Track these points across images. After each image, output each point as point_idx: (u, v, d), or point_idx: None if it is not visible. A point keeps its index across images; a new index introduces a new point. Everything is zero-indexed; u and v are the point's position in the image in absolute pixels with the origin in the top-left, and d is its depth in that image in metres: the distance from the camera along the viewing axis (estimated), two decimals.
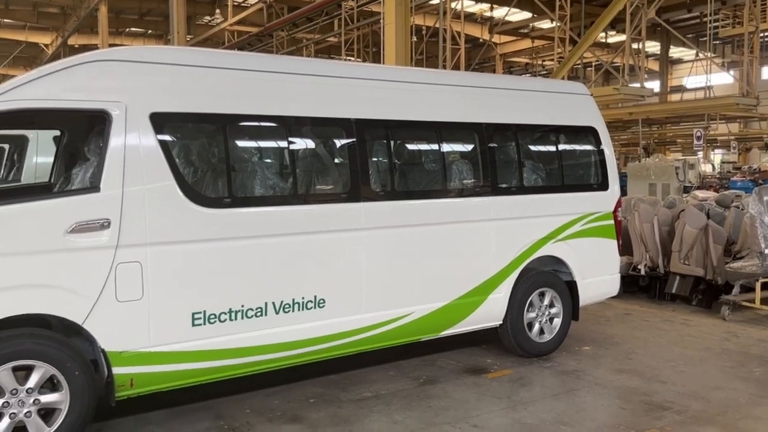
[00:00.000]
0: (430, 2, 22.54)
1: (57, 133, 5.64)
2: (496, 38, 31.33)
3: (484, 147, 5.27)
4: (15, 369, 3.56)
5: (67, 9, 30.15)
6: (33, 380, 3.60)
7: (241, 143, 4.38)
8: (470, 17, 27.62)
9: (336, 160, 4.76)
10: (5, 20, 33.25)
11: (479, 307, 5.20)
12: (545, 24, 28.19)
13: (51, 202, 3.72)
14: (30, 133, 6.64)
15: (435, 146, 5.17)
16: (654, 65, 34.08)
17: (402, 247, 4.81)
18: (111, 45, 28.42)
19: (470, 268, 5.14)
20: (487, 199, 5.22)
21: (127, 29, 33.74)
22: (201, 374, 4.15)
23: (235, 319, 4.19)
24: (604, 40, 28.05)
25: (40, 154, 6.59)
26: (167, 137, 3.98)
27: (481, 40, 30.89)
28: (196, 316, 4.05)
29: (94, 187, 3.76)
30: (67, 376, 3.67)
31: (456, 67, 19.99)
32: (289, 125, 4.45)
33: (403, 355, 5.47)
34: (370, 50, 25.87)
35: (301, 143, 4.59)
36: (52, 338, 3.68)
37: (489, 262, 5.23)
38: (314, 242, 4.45)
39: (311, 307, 4.46)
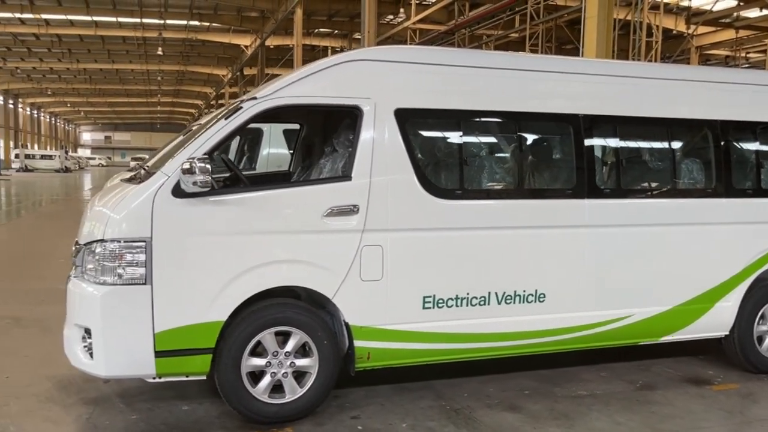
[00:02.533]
0: None
1: (295, 126, 6.23)
2: (692, 29, 29.04)
3: (718, 146, 4.99)
4: (276, 334, 4.04)
5: (266, 12, 32.64)
6: (290, 345, 4.06)
7: (472, 138, 4.56)
8: (664, 7, 25.89)
9: (562, 156, 4.78)
10: (213, 24, 36.92)
11: (704, 314, 4.95)
12: (752, 12, 25.62)
13: (312, 188, 4.17)
14: (264, 126, 7.37)
15: (664, 144, 5.00)
16: None
17: (626, 246, 4.71)
18: (303, 45, 30.54)
19: (698, 273, 4.91)
20: (720, 200, 4.94)
21: (316, 30, 35.78)
22: (427, 355, 4.40)
23: (461, 305, 4.38)
24: None
25: (273, 145, 7.33)
26: (408, 131, 4.25)
27: (674, 32, 28.81)
28: (426, 299, 4.31)
29: (346, 176, 4.14)
30: (318, 343, 4.09)
31: (650, 61, 18.81)
32: (518, 121, 4.56)
33: (613, 357, 5.36)
34: (552, 45, 25.20)
35: (529, 139, 4.68)
36: (306, 309, 4.12)
37: (718, 268, 4.95)
38: (538, 237, 4.52)
39: (532, 301, 4.54)
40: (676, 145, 5.02)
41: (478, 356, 4.54)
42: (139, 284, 3.77)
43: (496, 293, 4.44)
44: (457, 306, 4.37)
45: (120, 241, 3.75)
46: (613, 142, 4.80)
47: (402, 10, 29.23)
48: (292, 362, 4.07)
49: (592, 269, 4.64)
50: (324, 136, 5.08)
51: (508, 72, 4.55)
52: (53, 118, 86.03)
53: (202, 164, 3.69)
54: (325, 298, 4.14)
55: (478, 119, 4.54)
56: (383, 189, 4.15)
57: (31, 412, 4.22)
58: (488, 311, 4.43)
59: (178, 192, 3.80)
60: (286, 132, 7.40)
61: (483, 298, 4.42)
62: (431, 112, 4.39)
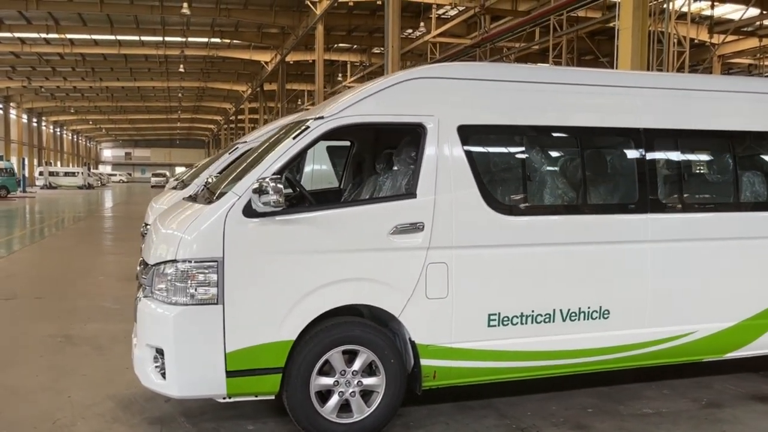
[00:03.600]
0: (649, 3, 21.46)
1: (342, 143, 6.25)
2: (714, 38, 28.87)
3: None
4: (343, 352, 4.03)
5: (286, 28, 32.96)
6: (357, 363, 4.04)
7: (535, 153, 4.53)
8: (685, 16, 25.82)
9: (624, 171, 4.74)
10: (234, 41, 37.34)
11: None
12: None
13: (379, 206, 4.16)
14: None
15: (725, 157, 4.94)
16: None
17: (689, 261, 4.65)
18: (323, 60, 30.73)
19: (763, 288, 4.82)
20: None
21: (335, 45, 36.06)
22: (493, 373, 4.36)
23: (526, 323, 4.35)
24: None
25: (317, 161, 7.37)
26: (471, 148, 4.25)
27: (696, 41, 28.65)
28: (491, 317, 4.28)
29: (410, 193, 4.13)
30: (384, 362, 4.06)
31: (679, 70, 18.66)
32: (579, 136, 4.54)
33: (671, 374, 5.27)
34: (574, 56, 25.11)
35: (591, 154, 4.64)
36: (373, 327, 4.11)
37: None
38: (601, 252, 4.47)
39: (596, 317, 4.49)
40: (738, 157, 4.95)
41: (542, 374, 4.50)
42: (211, 304, 3.78)
43: (560, 310, 4.40)
44: (522, 324, 4.33)
45: (192, 261, 3.77)
46: (675, 156, 4.76)
47: (422, 24, 29.34)
48: (360, 381, 4.05)
49: (656, 285, 4.59)
50: (376, 153, 5.07)
51: (568, 87, 4.53)
52: (75, 136, 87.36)
53: (275, 184, 3.70)
54: (391, 316, 4.13)
55: (539, 135, 4.53)
56: (448, 206, 4.14)
57: None
58: (553, 329, 4.39)
59: (248, 212, 3.82)
60: (329, 149, 7.43)
61: (548, 316, 4.38)
62: (493, 128, 4.39)
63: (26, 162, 54.22)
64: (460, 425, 4.36)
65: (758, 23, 26.63)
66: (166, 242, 3.98)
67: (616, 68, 10.99)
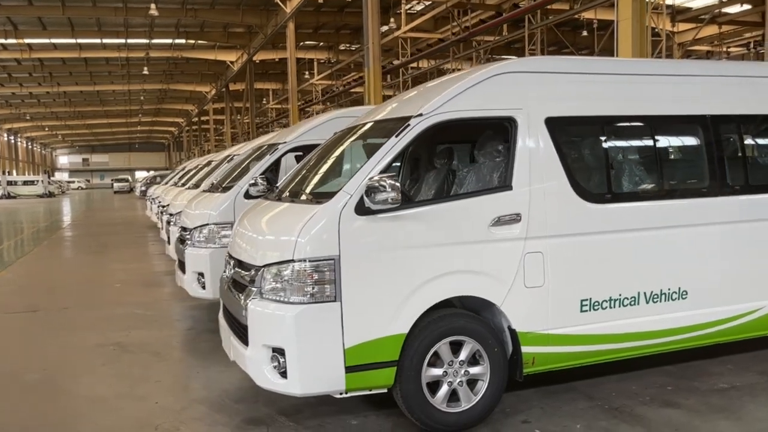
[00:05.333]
0: None
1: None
2: (663, 26, 29.80)
3: None
4: (450, 343, 4.12)
5: (254, 27, 32.61)
6: (463, 354, 4.13)
7: (617, 142, 4.71)
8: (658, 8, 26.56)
9: (696, 156, 4.94)
10: (199, 41, 36.76)
11: None
12: (733, 8, 26.37)
13: (480, 198, 4.24)
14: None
15: None
16: None
17: (760, 240, 4.88)
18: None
19: None
20: None
21: (302, 42, 35.85)
22: (586, 357, 4.51)
23: (615, 306, 4.50)
24: None
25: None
26: (559, 139, 4.37)
27: (657, 30, 29.51)
28: (583, 302, 4.42)
29: (507, 185, 4.24)
30: (488, 351, 4.16)
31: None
32: (656, 125, 4.72)
33: (724, 351, 5.45)
34: (543, 49, 25.54)
35: (667, 141, 4.84)
36: (476, 318, 4.20)
37: None
38: (679, 235, 4.66)
39: (676, 298, 4.68)
40: None
41: (630, 355, 4.66)
42: (330, 302, 3.82)
43: (644, 293, 4.57)
44: (611, 308, 4.49)
45: (310, 261, 3.80)
46: (740, 141, 4.98)
47: (392, 19, 29.43)
48: (466, 371, 4.14)
49: (729, 264, 4.80)
50: (489, 147, 4.84)
51: (646, 77, 4.71)
52: (30, 143, 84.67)
53: (392, 181, 3.76)
54: (487, 305, 4.23)
55: (621, 124, 4.70)
56: (541, 197, 4.26)
57: None
58: (638, 311, 4.56)
59: (360, 209, 3.87)
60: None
61: (633, 299, 4.54)
62: (579, 120, 4.53)
63: None
64: (555, 409, 4.49)
65: (717, 11, 27.60)
66: (277, 243, 4.00)
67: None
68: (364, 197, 3.85)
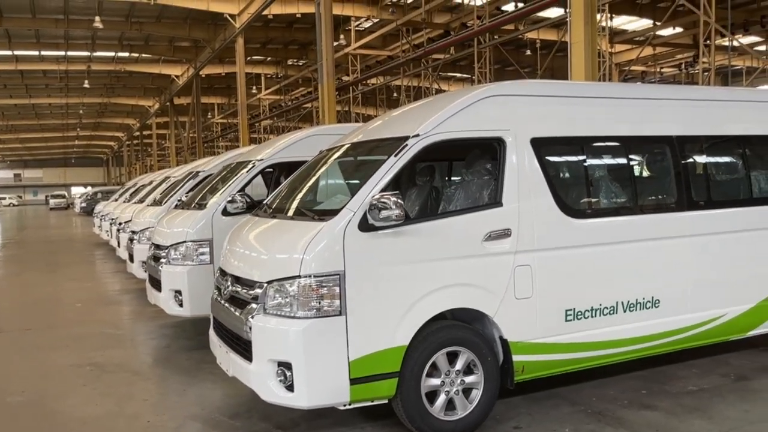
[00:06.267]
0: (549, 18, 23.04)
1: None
2: (608, 47, 31.23)
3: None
4: (446, 354, 4.29)
5: (201, 42, 32.27)
6: (459, 363, 4.30)
7: (596, 161, 5.02)
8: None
9: (666, 174, 5.29)
10: (143, 55, 36.09)
11: None
12: (666, 31, 27.88)
13: (474, 214, 4.44)
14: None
15: (741, 159, 5.63)
16: None
17: (722, 251, 5.27)
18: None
19: None
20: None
21: (249, 57, 35.66)
22: (570, 364, 4.76)
23: (595, 316, 4.78)
24: None
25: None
26: (544, 158, 4.64)
27: (599, 51, 30.81)
28: (567, 312, 4.68)
29: (497, 202, 4.47)
30: (483, 360, 4.35)
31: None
32: (630, 144, 5.08)
33: (688, 356, 5.81)
34: (490, 67, 26.29)
35: (640, 159, 5.18)
36: (470, 329, 4.40)
37: None
38: (652, 247, 4.99)
39: (649, 307, 4.99)
40: (751, 160, 5.66)
41: (610, 361, 4.94)
42: (335, 316, 3.93)
43: (622, 302, 4.87)
44: (592, 317, 4.76)
45: (316, 276, 3.91)
46: (704, 160, 5.38)
47: (342, 36, 29.73)
48: (462, 380, 4.32)
49: (695, 274, 5.16)
50: (479, 167, 4.88)
51: (624, 101, 5.06)
52: None
53: (396, 199, 3.92)
54: (478, 317, 4.44)
55: (599, 144, 5.03)
56: (528, 212, 4.51)
57: None
58: (616, 320, 4.85)
59: (364, 226, 4.01)
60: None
61: (612, 308, 4.83)
62: (561, 140, 4.82)
63: None
64: (542, 415, 4.72)
65: (650, 33, 29.12)
66: (281, 259, 4.08)
67: (571, 79, 11.82)
68: (368, 214, 3.99)
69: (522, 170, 4.53)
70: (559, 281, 4.64)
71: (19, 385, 5.71)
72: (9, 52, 33.27)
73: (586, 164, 4.93)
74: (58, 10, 27.34)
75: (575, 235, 4.70)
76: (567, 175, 4.97)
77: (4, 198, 78.43)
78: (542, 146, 4.65)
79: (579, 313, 4.72)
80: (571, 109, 4.87)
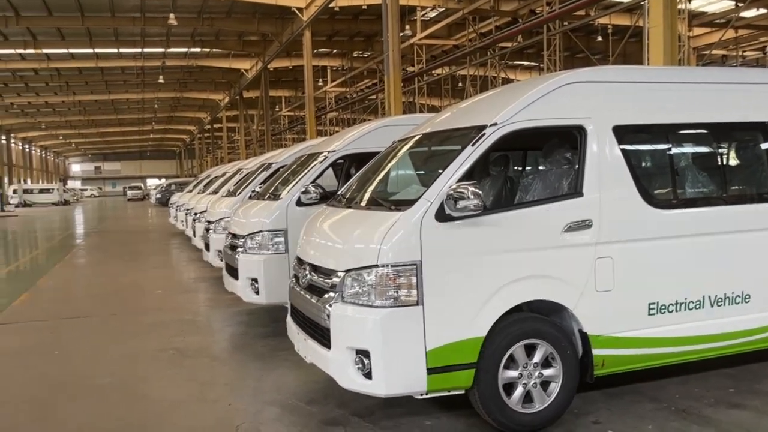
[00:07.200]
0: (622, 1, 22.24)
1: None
2: (686, 31, 29.88)
3: None
4: (524, 346, 4.23)
5: (269, 36, 32.85)
6: (538, 356, 4.24)
7: (682, 149, 4.83)
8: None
9: (758, 162, 5.04)
10: (214, 50, 37.08)
11: None
12: (749, 13, 26.43)
13: (553, 205, 4.36)
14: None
15: None
16: None
17: None
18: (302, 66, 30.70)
19: None
20: None
21: (315, 50, 36.04)
22: (653, 359, 4.60)
23: (681, 310, 4.60)
24: None
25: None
26: (626, 147, 4.49)
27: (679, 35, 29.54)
28: (651, 306, 4.53)
29: (577, 192, 4.36)
30: (561, 353, 4.27)
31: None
32: (719, 132, 4.85)
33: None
34: (560, 55, 25.61)
35: (730, 148, 4.95)
36: (549, 321, 4.32)
37: None
38: (742, 239, 4.76)
39: (739, 302, 4.76)
40: None
41: (694, 358, 4.76)
42: (413, 305, 3.94)
43: (709, 296, 4.67)
44: (677, 311, 4.59)
45: (393, 266, 3.92)
46: None
47: (407, 27, 29.62)
48: (540, 373, 4.25)
49: None
50: (558, 155, 4.87)
51: (709, 86, 4.82)
52: (44, 152, 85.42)
53: (475, 189, 3.88)
54: (558, 309, 4.35)
55: (685, 131, 4.82)
56: (610, 203, 4.38)
57: None
58: (703, 314, 4.65)
59: (440, 216, 3.99)
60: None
61: (698, 302, 4.64)
62: (644, 127, 4.66)
63: (5, 181, 53.04)
64: (623, 411, 4.59)
65: (733, 15, 27.67)
66: (359, 249, 4.12)
67: (648, 65, 11.39)
68: (444, 204, 3.97)
69: (603, 159, 4.40)
70: (643, 274, 4.49)
71: (108, 367, 6.01)
72: (90, 50, 34.89)
73: (671, 152, 4.74)
74: (135, 9, 28.46)
75: (659, 227, 4.53)
76: (651, 164, 4.79)
77: (86, 190, 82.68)
78: (625, 134, 4.50)
79: (663, 307, 4.55)
80: (655, 95, 4.68)
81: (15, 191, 54.60)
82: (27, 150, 75.82)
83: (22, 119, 58.76)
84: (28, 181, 71.58)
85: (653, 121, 4.66)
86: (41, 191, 55.86)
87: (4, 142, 63.02)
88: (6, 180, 60.18)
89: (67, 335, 7.42)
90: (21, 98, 48.18)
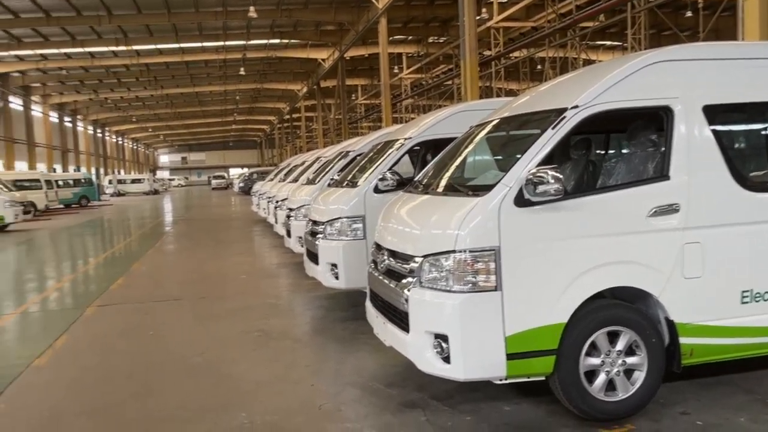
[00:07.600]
0: None
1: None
2: None
3: None
4: (607, 333, 4.14)
5: (345, 24, 33.12)
6: (621, 344, 4.14)
7: None
8: None
9: None
10: (292, 41, 37.80)
11: None
12: None
13: (638, 189, 4.23)
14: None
15: None
16: None
17: None
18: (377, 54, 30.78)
19: None
20: None
21: (391, 37, 36.00)
22: (745, 349, 4.39)
23: None
24: None
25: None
26: (717, 127, 4.28)
27: None
28: (744, 294, 4.32)
29: (664, 175, 4.20)
30: (646, 341, 4.15)
31: None
32: None
33: None
34: (645, 33, 24.48)
35: None
36: (633, 308, 4.21)
37: None
38: None
39: None
40: None
41: None
42: (491, 291, 3.93)
43: None
44: None
45: (471, 251, 3.92)
46: None
47: (484, 10, 29.12)
48: (624, 360, 4.15)
49: None
50: (642, 137, 4.68)
51: None
52: (135, 144, 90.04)
53: (555, 173, 3.82)
54: (642, 296, 4.22)
55: None
56: (699, 186, 4.20)
57: (366, 417, 4.46)
58: None
59: (519, 201, 3.96)
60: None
61: None
62: (737, 107, 4.43)
63: (101, 172, 56.36)
64: (713, 402, 4.42)
65: None
66: (437, 234, 4.15)
67: (743, 40, 10.75)
68: (524, 189, 3.93)
69: (692, 141, 4.22)
70: (735, 260, 4.29)
71: (198, 348, 6.32)
72: (176, 45, 36.40)
73: (765, 133, 4.48)
74: (217, 3, 29.46)
75: (754, 210, 4.31)
76: (744, 144, 4.56)
77: (174, 179, 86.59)
78: (716, 114, 4.30)
79: (758, 295, 4.34)
80: (748, 72, 4.43)
81: (110, 182, 57.89)
82: (120, 142, 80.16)
83: (115, 113, 62.11)
84: (121, 171, 75.72)
85: (748, 100, 4.41)
86: (133, 181, 58.98)
87: (99, 135, 66.90)
88: (102, 171, 63.96)
89: (160, 317, 7.84)
90: (114, 93, 50.87)
